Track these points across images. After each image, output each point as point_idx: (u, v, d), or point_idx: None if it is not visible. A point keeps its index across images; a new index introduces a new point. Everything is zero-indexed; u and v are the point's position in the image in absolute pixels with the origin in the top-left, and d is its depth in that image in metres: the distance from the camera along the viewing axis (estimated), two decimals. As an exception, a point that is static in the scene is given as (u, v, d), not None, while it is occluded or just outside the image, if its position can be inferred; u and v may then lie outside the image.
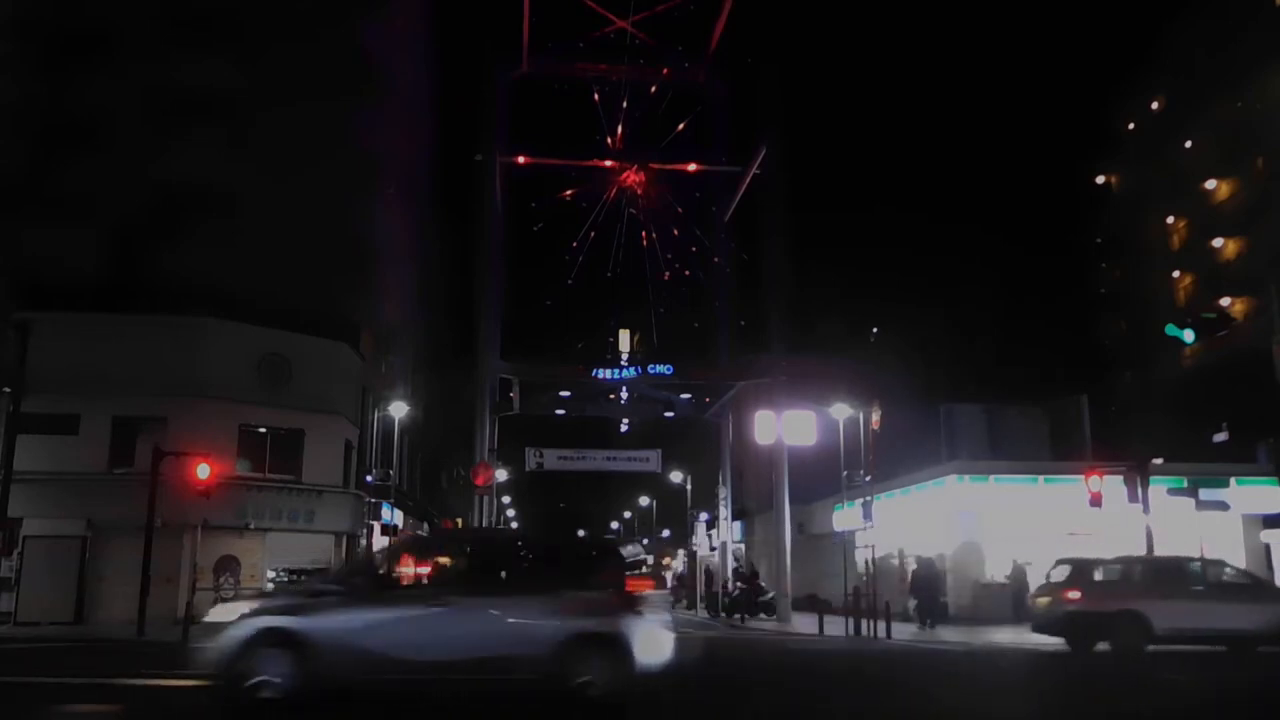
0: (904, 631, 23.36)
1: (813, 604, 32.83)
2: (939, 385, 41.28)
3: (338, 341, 30.70)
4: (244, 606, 10.17)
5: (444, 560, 11.53)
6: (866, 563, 26.43)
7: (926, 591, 25.65)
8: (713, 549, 45.02)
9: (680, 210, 40.53)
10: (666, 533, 67.09)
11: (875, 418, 28.29)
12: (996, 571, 28.14)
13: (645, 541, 75.56)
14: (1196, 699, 11.79)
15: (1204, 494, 22.42)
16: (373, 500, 31.38)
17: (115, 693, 11.67)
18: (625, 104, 39.93)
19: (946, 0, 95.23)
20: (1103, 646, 16.93)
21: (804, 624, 28.09)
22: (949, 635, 22.78)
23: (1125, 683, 13.23)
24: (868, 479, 27.63)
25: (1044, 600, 18.78)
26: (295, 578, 27.46)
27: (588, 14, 38.02)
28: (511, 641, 9.69)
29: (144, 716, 10.21)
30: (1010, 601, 27.19)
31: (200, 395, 27.13)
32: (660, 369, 36.36)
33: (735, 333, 41.17)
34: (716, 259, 41.63)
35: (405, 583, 11.02)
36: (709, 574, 42.18)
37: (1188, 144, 45.22)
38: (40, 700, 11.06)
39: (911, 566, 27.31)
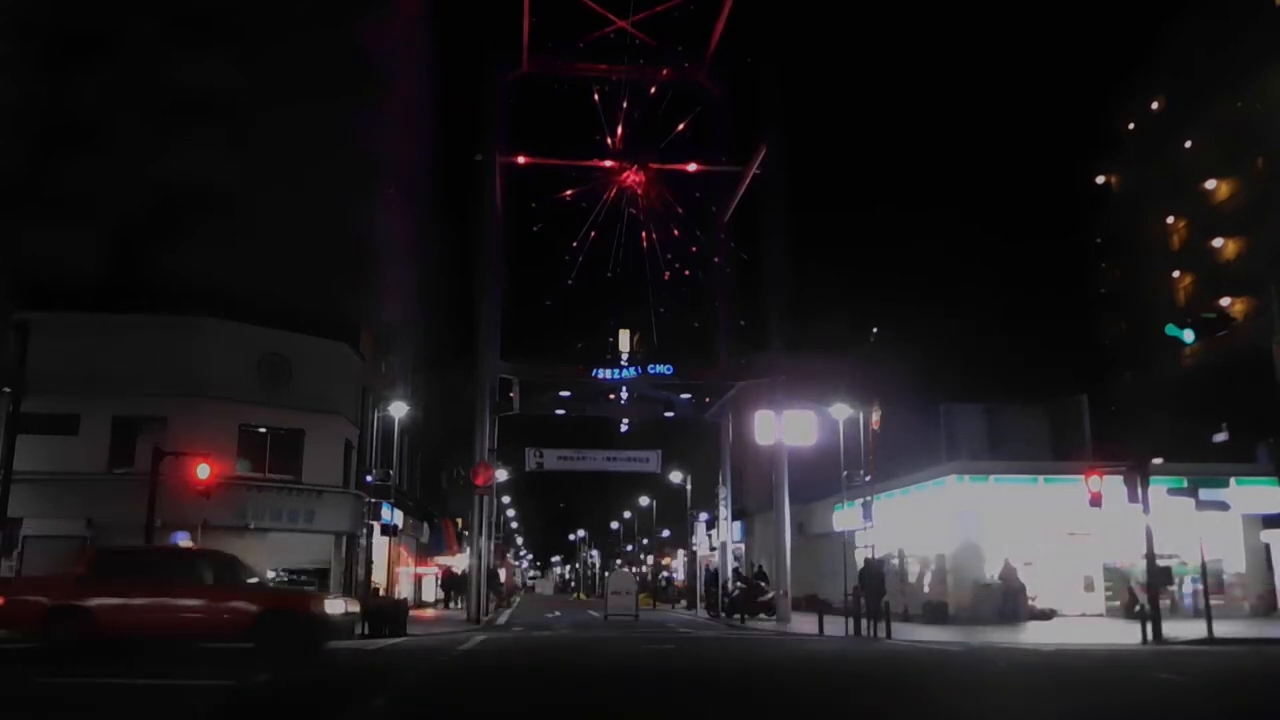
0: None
1: (813, 604, 32.86)
2: (939, 385, 41.28)
3: (338, 341, 30.70)
4: None
5: None
6: (866, 562, 26.39)
7: (870, 591, 24.16)
8: (713, 549, 45.03)
9: (680, 210, 40.55)
10: (666, 533, 67.12)
11: (875, 418, 28.31)
12: (995, 571, 28.15)
13: (645, 541, 75.74)
14: (1197, 699, 11.79)
15: (1204, 494, 22.36)
16: (373, 500, 31.35)
17: (116, 693, 11.68)
18: (625, 104, 39.96)
19: (947, 0, 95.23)
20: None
21: (804, 624, 28.11)
22: (900, 637, 22.66)
23: (1119, 681, 13.23)
24: (868, 479, 27.64)
25: None
26: (296, 578, 27.47)
27: (588, 14, 38.06)
28: None
29: (144, 716, 10.21)
30: (1000, 600, 27.20)
31: (200, 395, 27.12)
32: (660, 369, 36.37)
33: (735, 333, 41.18)
34: (716, 259, 41.64)
35: None
36: (709, 574, 42.21)
37: (1188, 144, 45.24)
38: (42, 701, 11.06)
39: (860, 565, 26.36)
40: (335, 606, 16.26)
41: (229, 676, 12.55)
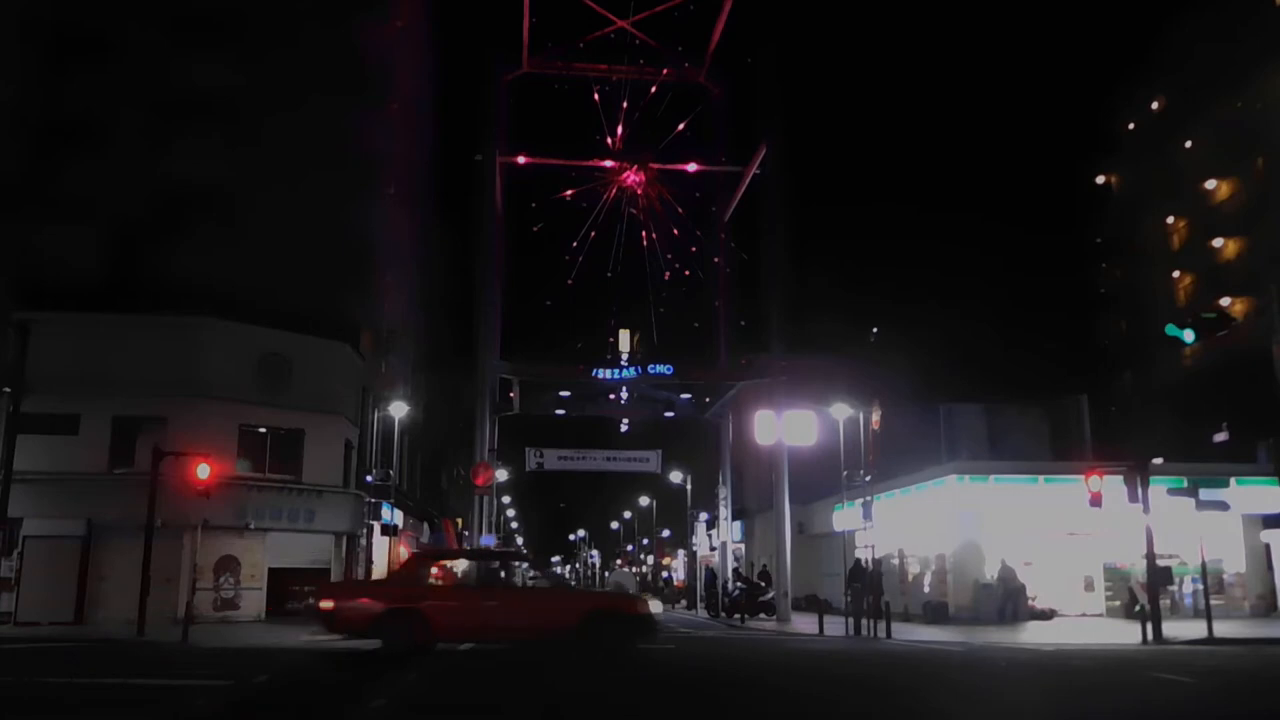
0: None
1: (813, 604, 32.86)
2: (939, 385, 41.30)
3: (338, 341, 30.69)
4: None
5: None
6: (866, 562, 26.40)
7: (860, 591, 24.06)
8: (713, 549, 45.02)
9: (680, 210, 40.55)
10: (666, 533, 67.14)
11: (875, 418, 28.31)
12: (995, 571, 28.16)
13: (645, 541, 75.76)
14: (1197, 700, 11.78)
15: (1204, 494, 22.36)
16: (373, 500, 31.35)
17: (116, 692, 11.68)
18: (625, 104, 39.96)
19: (948, 0, 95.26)
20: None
21: (804, 624, 28.11)
22: (900, 637, 22.66)
23: (1120, 682, 13.22)
24: (868, 479, 27.64)
25: None
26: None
27: (588, 14, 38.08)
28: None
29: (144, 716, 10.21)
30: (998, 600, 27.19)
31: (200, 395, 27.13)
32: (660, 369, 36.36)
33: (735, 333, 41.19)
34: (716, 259, 41.64)
35: None
36: (709, 574, 42.20)
37: (1188, 144, 45.22)
38: (42, 701, 11.07)
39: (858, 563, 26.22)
40: (655, 607, 16.41)
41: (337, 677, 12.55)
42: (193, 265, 26.79)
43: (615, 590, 23.14)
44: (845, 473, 28.72)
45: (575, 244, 39.98)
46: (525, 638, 15.44)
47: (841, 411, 28.92)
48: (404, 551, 40.73)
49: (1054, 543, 29.02)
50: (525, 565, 19.67)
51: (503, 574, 16.63)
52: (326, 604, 15.75)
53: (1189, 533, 23.75)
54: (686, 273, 41.01)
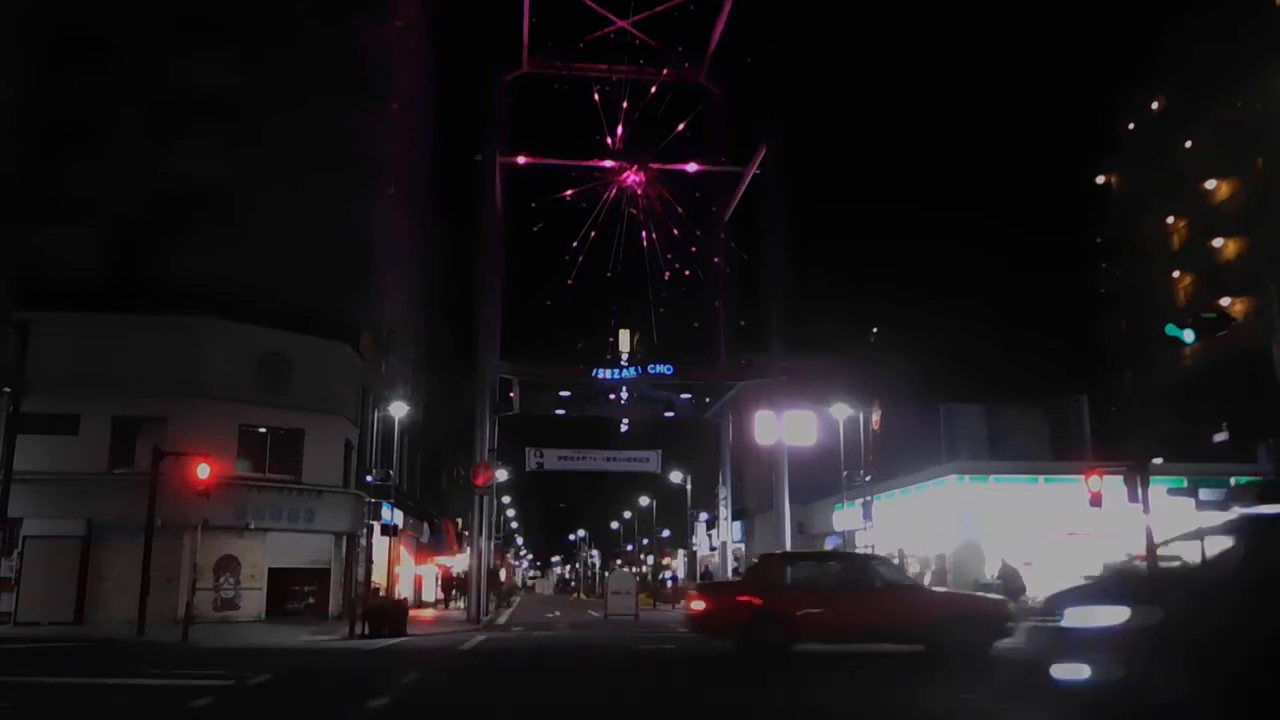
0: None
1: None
2: (939, 385, 41.29)
3: (338, 341, 30.70)
4: None
5: None
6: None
7: None
8: (713, 549, 45.01)
9: (680, 210, 40.49)
10: (667, 533, 67.14)
11: (875, 418, 28.36)
12: (995, 571, 28.15)
13: (645, 541, 75.81)
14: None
15: (1204, 494, 22.40)
16: (373, 500, 31.36)
17: (117, 692, 11.69)
18: (625, 104, 39.90)
19: (948, 0, 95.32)
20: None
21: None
22: None
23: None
24: (868, 479, 27.67)
25: None
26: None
27: (588, 14, 38.02)
28: None
29: (144, 715, 10.21)
30: None
31: (200, 395, 27.13)
32: (660, 369, 36.29)
33: (735, 333, 41.15)
34: (716, 259, 41.60)
35: None
36: (708, 574, 42.20)
37: (1188, 144, 45.22)
38: (44, 701, 11.07)
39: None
40: (1011, 608, 16.37)
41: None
42: (193, 265, 26.79)
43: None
44: (845, 473, 28.75)
45: (575, 244, 39.88)
46: (884, 638, 15.50)
47: (841, 411, 28.94)
48: (404, 551, 40.78)
49: (1054, 543, 28.96)
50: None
51: (856, 575, 16.64)
52: (699, 605, 16.07)
53: (1189, 533, 23.72)
54: (686, 273, 40.92)
